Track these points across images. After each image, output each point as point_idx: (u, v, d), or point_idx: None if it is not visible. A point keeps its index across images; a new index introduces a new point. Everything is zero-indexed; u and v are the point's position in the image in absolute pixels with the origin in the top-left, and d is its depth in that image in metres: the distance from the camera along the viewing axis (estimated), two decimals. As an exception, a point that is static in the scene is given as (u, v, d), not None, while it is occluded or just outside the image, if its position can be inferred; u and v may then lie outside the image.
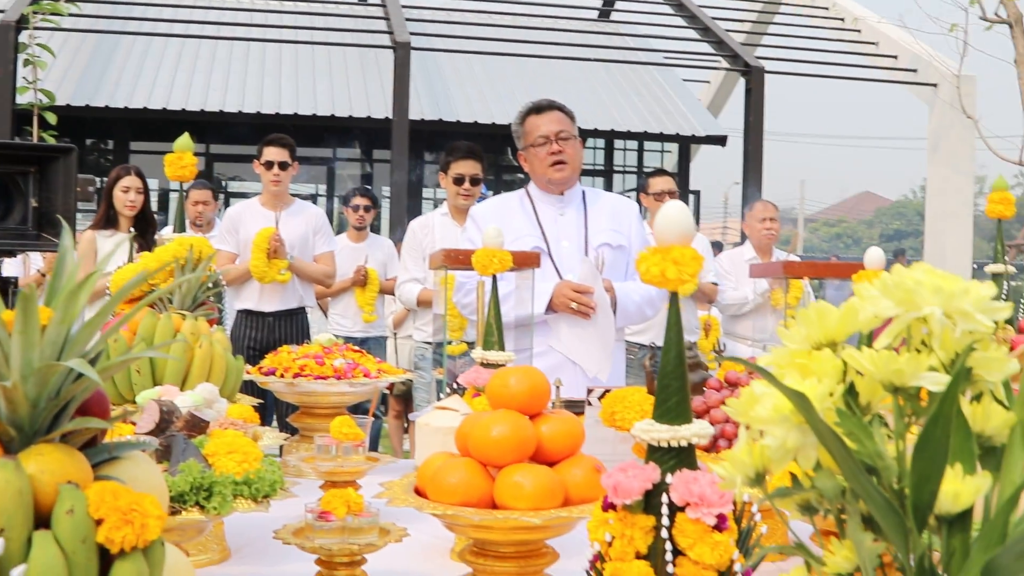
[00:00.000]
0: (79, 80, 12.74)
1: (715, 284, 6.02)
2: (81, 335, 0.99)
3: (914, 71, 12.02)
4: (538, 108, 3.43)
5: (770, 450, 0.86)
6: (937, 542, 0.83)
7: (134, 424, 1.77)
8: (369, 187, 6.92)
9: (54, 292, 1.02)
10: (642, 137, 13.97)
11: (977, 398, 0.87)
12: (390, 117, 10.59)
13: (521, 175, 15.36)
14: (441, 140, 12.34)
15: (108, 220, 5.33)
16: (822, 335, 0.89)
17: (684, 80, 15.63)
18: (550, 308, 3.20)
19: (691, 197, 15.28)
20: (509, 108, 13.09)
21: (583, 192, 3.49)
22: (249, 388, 4.68)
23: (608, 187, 15.39)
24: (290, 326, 5.40)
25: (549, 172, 3.35)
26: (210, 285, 2.56)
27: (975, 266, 10.62)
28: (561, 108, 3.44)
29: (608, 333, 3.15)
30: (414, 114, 11.57)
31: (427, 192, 15.38)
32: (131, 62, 13.40)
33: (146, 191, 5.41)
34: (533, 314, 2.91)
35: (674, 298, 1.17)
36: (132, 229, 5.30)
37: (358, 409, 4.88)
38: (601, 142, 15.61)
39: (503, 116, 12.87)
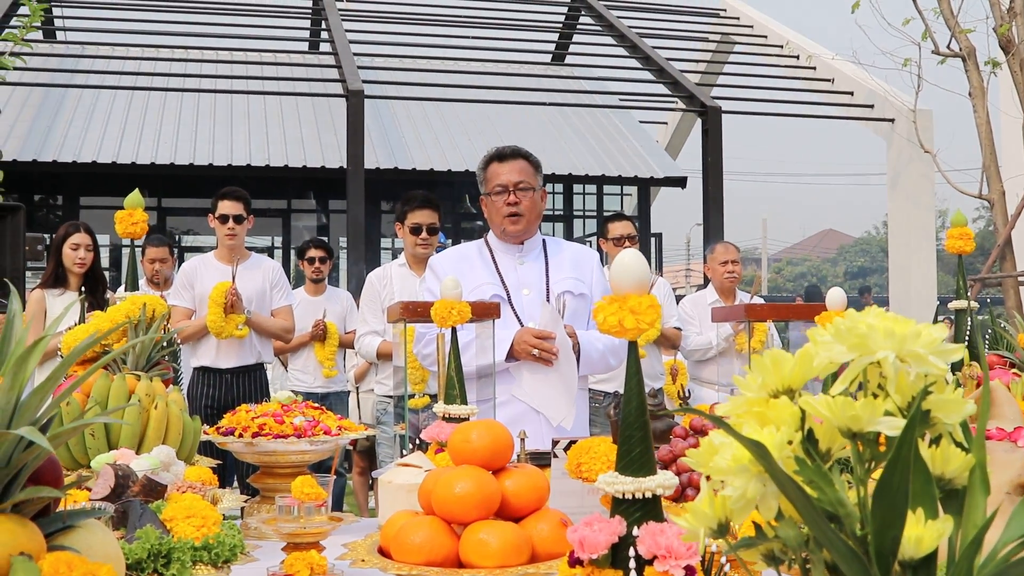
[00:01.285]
0: (26, 135, 12.66)
1: (679, 329, 6.05)
2: (31, 400, 0.99)
3: (870, 107, 12.25)
4: (501, 156, 3.45)
5: (731, 500, 0.87)
6: (900, 587, 0.84)
7: (89, 490, 1.75)
8: (325, 238, 6.91)
9: (2, 358, 1.02)
10: (601, 181, 14.08)
11: (936, 441, 0.89)
12: (344, 167, 10.61)
13: (480, 222, 15.41)
14: (397, 189, 12.38)
15: (57, 278, 5.28)
16: (778, 382, 0.90)
17: (641, 122, 15.82)
18: (511, 356, 3.20)
19: (652, 240, 15.39)
20: (466, 155, 13.17)
21: (543, 241, 3.52)
22: (207, 449, 4.64)
23: (568, 232, 15.47)
24: (248, 383, 5.36)
25: (504, 223, 3.38)
26: (165, 344, 2.55)
27: (939, 301, 10.77)
28: (526, 157, 3.46)
29: (571, 379, 3.16)
30: (369, 163, 11.60)
31: (384, 242, 15.37)
32: (79, 115, 13.35)
33: (96, 248, 5.38)
34: (495, 363, 2.91)
35: (632, 347, 1.19)
36: (82, 288, 5.26)
37: (320, 467, 4.86)
38: (560, 186, 15.72)
39: (459, 163, 12.94)
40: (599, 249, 6.12)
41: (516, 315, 3.34)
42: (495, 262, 3.43)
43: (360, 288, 5.36)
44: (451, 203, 14.32)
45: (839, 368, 0.89)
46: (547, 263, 3.44)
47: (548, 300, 3.33)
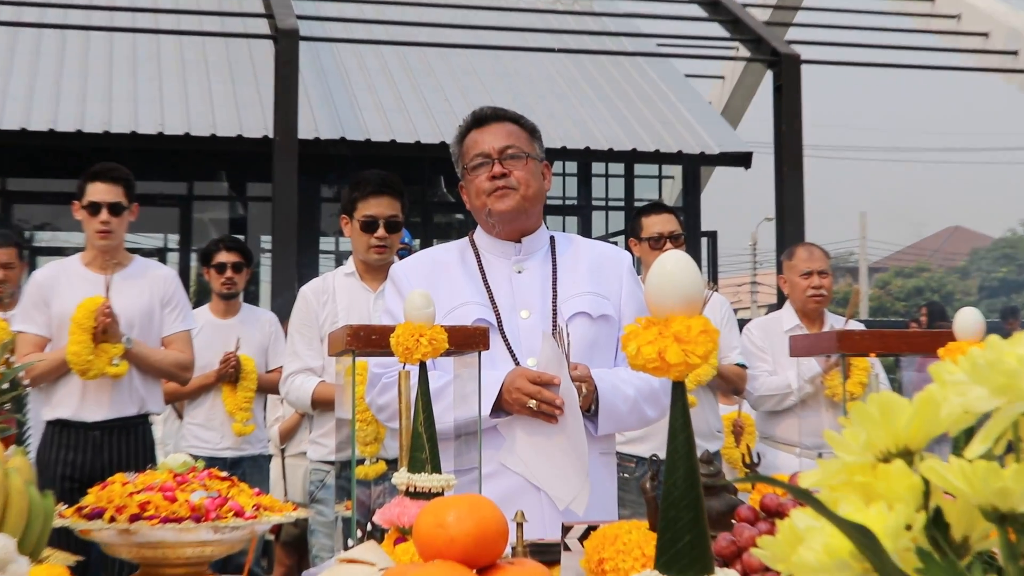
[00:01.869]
0: None
1: (743, 367, 6.05)
2: None
3: (1013, 53, 12.30)
4: (479, 119, 3.50)
5: (824, 612, 0.85)
6: None
7: None
8: (240, 237, 6.86)
9: None
10: (631, 158, 14.12)
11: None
12: (270, 136, 10.62)
13: (461, 215, 15.46)
14: (344, 168, 12.38)
15: None
16: (890, 440, 0.89)
17: (688, 76, 15.90)
18: (501, 408, 3.20)
19: (704, 241, 15.46)
20: (441, 122, 13.21)
21: (551, 238, 3.54)
22: (65, 538, 4.61)
23: (585, 229, 15.53)
24: (126, 443, 5.35)
25: (488, 201, 3.41)
26: (5, 386, 2.53)
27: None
28: (514, 119, 3.51)
29: (580, 443, 3.15)
30: (305, 131, 11.63)
31: (326, 243, 15.40)
32: None
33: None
34: (480, 416, 2.90)
35: (678, 392, 1.17)
36: None
37: (228, 566, 4.82)
38: (574, 166, 15.78)
39: (431, 133, 12.98)
40: (630, 252, 6.13)
41: (509, 348, 3.34)
42: (482, 270, 3.45)
43: (289, 308, 5.36)
44: (420, 188, 14.38)
45: (978, 421, 0.88)
46: (555, 270, 3.46)
47: (555, 325, 3.33)
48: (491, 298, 3.39)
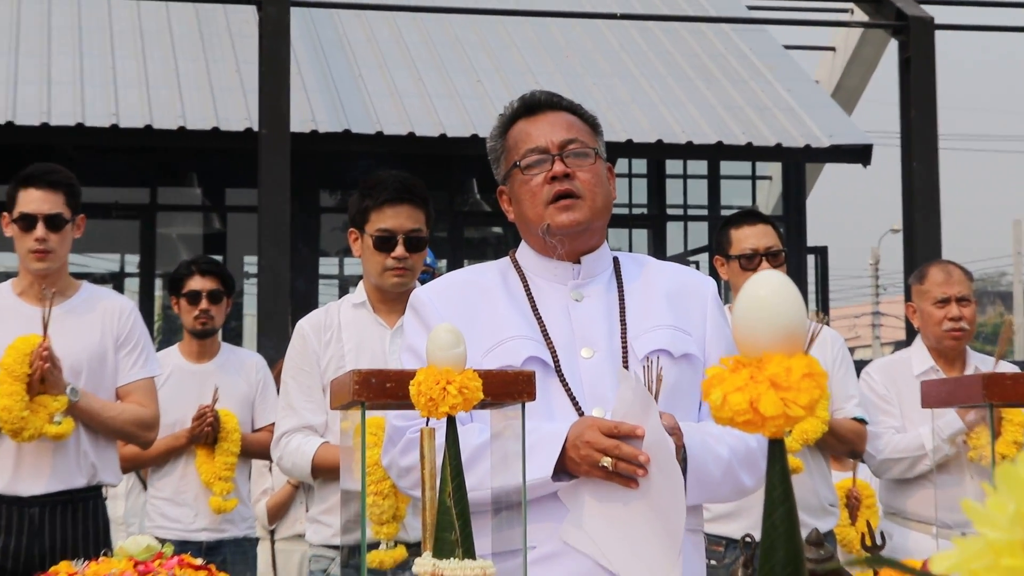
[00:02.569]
0: None
1: (862, 422, 6.02)
2: None
3: None
4: (530, 106, 3.52)
5: None
6: None
7: None
8: (218, 257, 6.84)
9: None
10: (715, 153, 14.12)
11: None
12: (255, 129, 10.66)
13: (499, 228, 15.45)
14: (350, 169, 12.42)
15: None
16: (1050, 514, 0.89)
17: (787, 48, 15.85)
18: (564, 470, 3.19)
19: (811, 259, 15.41)
20: (473, 112, 13.23)
21: (615, 259, 3.55)
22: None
23: (657, 246, 15.49)
24: (73, 523, 5.35)
25: (549, 214, 3.40)
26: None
27: None
28: (573, 108, 3.54)
29: (675, 513, 3.13)
30: (299, 123, 11.67)
31: (326, 264, 15.42)
32: None
33: None
34: (525, 484, 2.90)
35: (776, 452, 1.18)
36: None
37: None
38: (641, 165, 15.77)
39: (460, 125, 13.00)
40: (714, 274, 6.12)
41: (570, 394, 3.33)
42: (531, 297, 3.45)
43: (281, 349, 5.38)
44: (447, 195, 14.39)
45: None
46: (622, 298, 3.46)
47: (627, 365, 3.33)
48: (544, 332, 3.40)
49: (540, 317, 3.41)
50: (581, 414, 3.29)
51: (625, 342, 3.39)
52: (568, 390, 3.33)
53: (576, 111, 3.52)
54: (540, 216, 3.40)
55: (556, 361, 3.35)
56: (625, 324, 3.42)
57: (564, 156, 3.41)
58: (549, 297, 3.44)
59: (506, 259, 3.56)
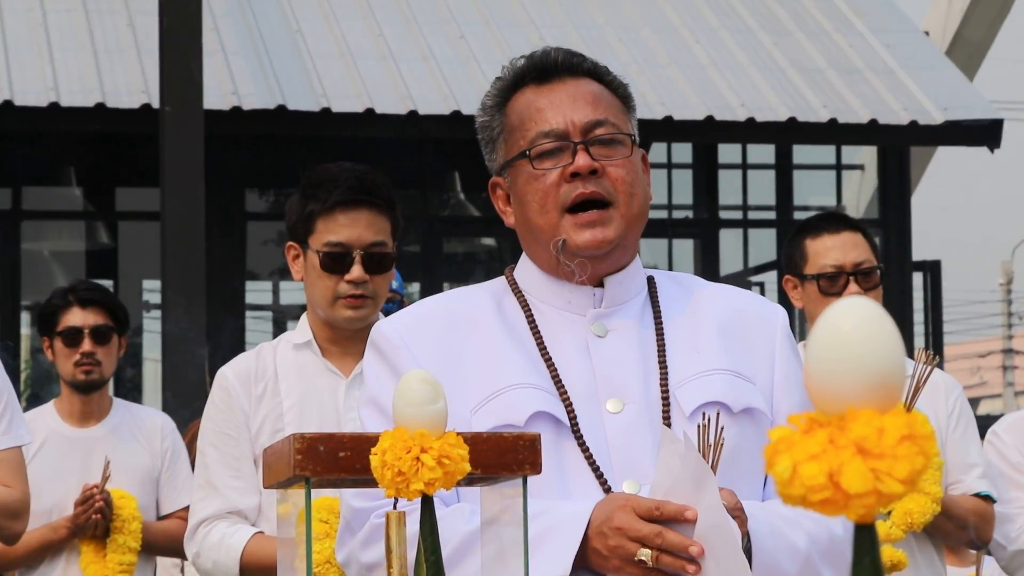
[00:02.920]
0: None
1: (988, 499, 6.04)
2: None
3: None
4: (541, 69, 3.48)
5: None
6: None
7: None
8: (106, 283, 6.76)
9: None
10: (787, 135, 14.15)
11: None
12: (154, 107, 10.69)
13: (490, 240, 15.44)
14: (287, 161, 12.45)
15: None
16: None
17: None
18: (585, 566, 3.20)
19: (917, 279, 15.40)
20: (454, 80, 13.26)
21: (649, 280, 3.55)
22: None
23: (709, 262, 15.47)
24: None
25: (566, 226, 3.38)
26: None
27: None
28: (595, 72, 3.51)
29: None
30: (216, 99, 11.69)
31: (254, 291, 15.40)
32: None
33: None
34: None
35: (865, 540, 1.21)
36: None
37: None
38: (686, 151, 15.77)
39: (436, 99, 13.03)
40: (784, 300, 6.15)
41: (591, 462, 3.34)
42: (535, 330, 3.44)
43: (195, 407, 5.41)
44: (419, 194, 14.38)
45: None
46: (661, 332, 3.47)
47: (668, 423, 3.33)
48: (556, 379, 3.38)
49: (549, 358, 3.39)
50: (608, 490, 3.29)
51: (666, 391, 3.38)
52: (589, 457, 3.32)
53: (602, 77, 3.50)
54: (554, 226, 3.38)
55: (572, 417, 3.33)
56: (665, 367, 3.41)
57: (589, 144, 3.37)
58: (562, 331, 3.43)
59: (501, 280, 3.54)
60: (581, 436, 3.32)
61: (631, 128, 3.46)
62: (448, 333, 3.43)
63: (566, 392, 3.35)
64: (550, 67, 3.45)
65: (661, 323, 3.46)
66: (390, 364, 3.38)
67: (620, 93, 3.50)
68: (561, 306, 3.45)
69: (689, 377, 3.39)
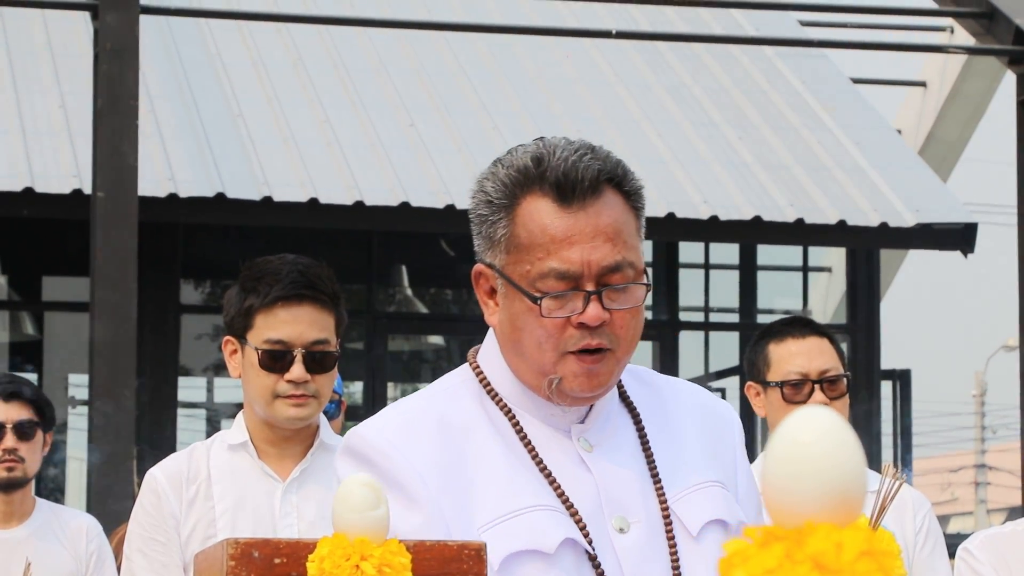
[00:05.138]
0: None
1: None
2: None
3: None
4: (561, 189, 3.26)
5: None
6: None
7: None
8: (29, 376, 6.74)
9: None
10: (752, 233, 14.19)
11: None
12: (85, 192, 10.67)
13: (438, 339, 15.42)
14: (225, 252, 12.44)
15: None
16: None
17: (857, 82, 15.92)
18: None
19: (885, 387, 15.42)
20: (403, 169, 13.27)
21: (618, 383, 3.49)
22: None
23: (666, 366, 15.48)
24: None
25: (563, 367, 3.27)
26: None
27: None
28: (613, 177, 3.34)
29: None
30: (151, 185, 11.68)
31: (189, 388, 15.37)
32: None
33: None
34: None
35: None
36: None
37: None
38: (647, 248, 15.77)
39: (383, 190, 13.04)
40: (746, 407, 6.17)
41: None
42: (527, 444, 3.36)
43: (122, 510, 5.40)
44: (365, 289, 14.38)
45: None
46: (645, 440, 3.43)
47: (673, 543, 3.30)
48: (563, 498, 3.30)
49: (550, 474, 3.31)
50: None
51: (666, 509, 3.34)
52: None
53: (622, 185, 3.35)
54: (551, 364, 3.27)
55: (589, 541, 3.26)
56: (659, 481, 3.37)
57: (601, 288, 3.26)
58: (549, 442, 3.36)
59: (472, 379, 3.44)
60: (598, 563, 3.25)
61: (641, 253, 3.38)
62: (444, 442, 3.30)
63: (577, 513, 3.26)
64: (571, 187, 3.24)
65: (644, 432, 3.42)
66: (386, 476, 3.17)
67: (635, 204, 3.37)
68: (542, 417, 3.37)
69: (685, 491, 3.35)
